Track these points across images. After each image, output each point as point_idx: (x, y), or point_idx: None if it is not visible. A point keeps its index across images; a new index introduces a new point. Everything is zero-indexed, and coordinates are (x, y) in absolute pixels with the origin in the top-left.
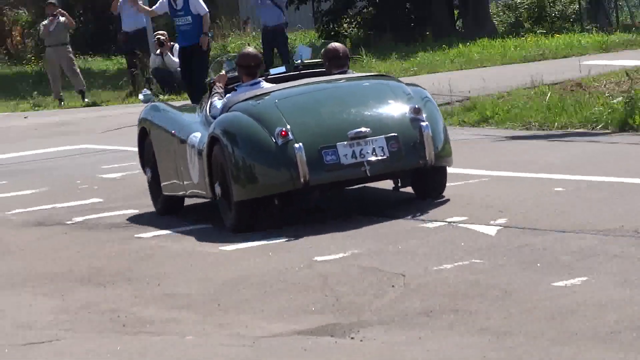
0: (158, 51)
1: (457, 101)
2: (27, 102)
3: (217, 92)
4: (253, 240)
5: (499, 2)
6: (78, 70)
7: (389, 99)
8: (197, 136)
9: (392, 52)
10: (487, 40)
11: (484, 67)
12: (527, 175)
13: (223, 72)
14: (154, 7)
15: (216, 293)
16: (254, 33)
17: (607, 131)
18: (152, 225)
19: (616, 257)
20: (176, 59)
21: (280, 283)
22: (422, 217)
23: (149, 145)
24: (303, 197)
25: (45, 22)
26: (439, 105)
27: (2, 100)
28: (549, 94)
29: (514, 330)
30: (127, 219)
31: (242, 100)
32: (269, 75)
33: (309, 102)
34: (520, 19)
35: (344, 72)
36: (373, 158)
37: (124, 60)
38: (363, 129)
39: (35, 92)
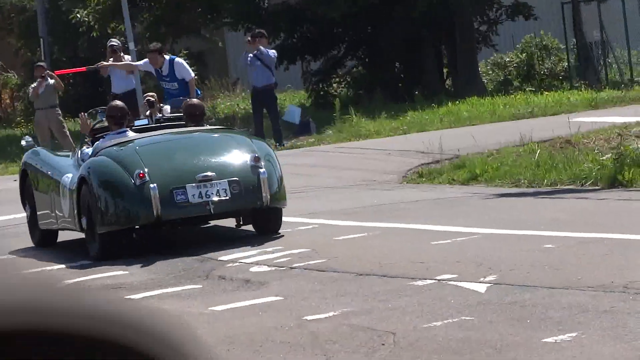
0: (148, 112)
1: (446, 159)
2: (16, 165)
3: (85, 142)
4: (243, 300)
5: (488, 60)
6: (67, 132)
7: (233, 149)
8: (69, 177)
9: (381, 111)
10: (477, 98)
11: (474, 125)
12: (517, 232)
13: (88, 122)
14: (138, 62)
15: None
16: (243, 94)
17: (597, 187)
18: (142, 286)
19: (606, 313)
20: None
21: (270, 342)
22: (411, 276)
23: (29, 186)
24: (157, 230)
25: (34, 84)
26: (428, 163)
27: None
28: (538, 151)
29: None
30: (117, 280)
31: (108, 146)
32: (133, 125)
33: (165, 149)
34: (510, 77)
35: (200, 126)
36: (217, 198)
37: None
38: (209, 173)
39: None
